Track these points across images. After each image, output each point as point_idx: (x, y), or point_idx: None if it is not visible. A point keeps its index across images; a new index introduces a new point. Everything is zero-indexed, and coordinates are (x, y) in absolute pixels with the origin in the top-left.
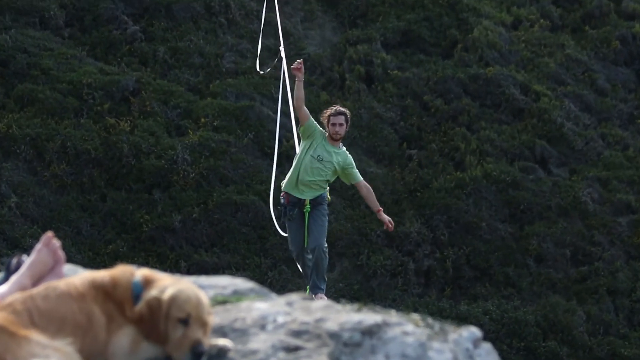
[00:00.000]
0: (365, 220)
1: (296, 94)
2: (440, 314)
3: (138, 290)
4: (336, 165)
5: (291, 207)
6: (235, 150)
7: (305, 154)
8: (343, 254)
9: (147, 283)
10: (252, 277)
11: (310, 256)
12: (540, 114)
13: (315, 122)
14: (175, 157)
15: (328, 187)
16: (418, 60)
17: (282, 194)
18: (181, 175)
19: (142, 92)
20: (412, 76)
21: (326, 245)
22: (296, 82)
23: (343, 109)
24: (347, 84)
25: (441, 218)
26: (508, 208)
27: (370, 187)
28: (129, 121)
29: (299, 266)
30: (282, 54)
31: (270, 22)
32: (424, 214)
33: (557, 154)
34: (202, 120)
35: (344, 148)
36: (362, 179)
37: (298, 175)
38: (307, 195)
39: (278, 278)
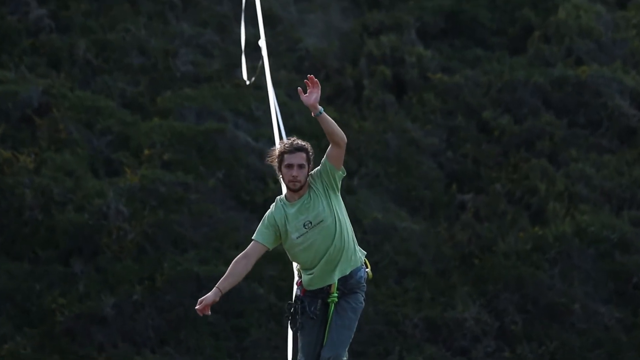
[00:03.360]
0: (395, 301)
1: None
2: None
3: None
4: (322, 200)
5: (311, 300)
6: (197, 197)
7: (292, 248)
8: (363, 353)
9: None
10: None
11: None
12: None
13: (263, 222)
14: (104, 208)
15: (362, 251)
16: (473, 57)
17: (296, 281)
18: (114, 236)
19: (53, 109)
20: (465, 82)
21: (346, 357)
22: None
23: (302, 143)
24: (365, 94)
25: (511, 298)
26: (614, 282)
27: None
28: (32, 154)
29: None
30: (263, 47)
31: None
32: (484, 292)
33: None
34: (146, 152)
35: (309, 178)
36: (325, 154)
37: (309, 266)
38: (334, 276)
39: None
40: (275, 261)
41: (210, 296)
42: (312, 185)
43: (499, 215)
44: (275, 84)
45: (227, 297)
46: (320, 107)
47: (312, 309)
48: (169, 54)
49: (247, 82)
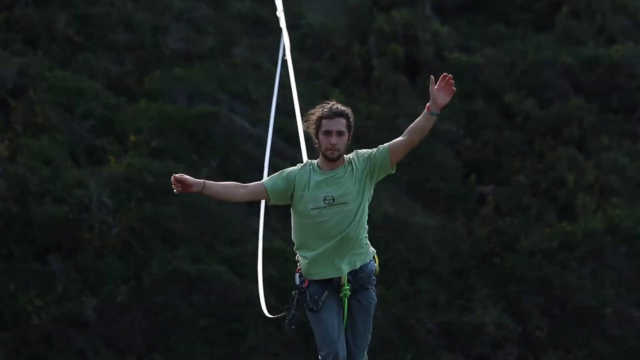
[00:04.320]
0: (406, 303)
1: (218, 198)
2: None
3: None
4: (355, 184)
5: (316, 290)
6: None
7: (303, 217)
8: None
9: None
10: None
11: None
12: None
13: (281, 173)
14: (86, 200)
15: (371, 246)
16: (494, 35)
17: (297, 271)
18: (97, 231)
19: (30, 91)
20: (485, 62)
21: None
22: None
23: (342, 107)
24: (374, 75)
25: (535, 301)
26: None
27: (408, 129)
28: (7, 140)
29: None
30: (282, 21)
31: None
32: (506, 294)
33: None
34: (132, 138)
35: (352, 154)
36: (389, 142)
37: (313, 246)
38: (341, 267)
39: None
40: (275, 258)
41: (193, 180)
42: (352, 162)
43: (523, 209)
44: (274, 63)
45: (221, 299)
46: (439, 110)
47: (316, 298)
48: (158, 30)
49: (282, 59)
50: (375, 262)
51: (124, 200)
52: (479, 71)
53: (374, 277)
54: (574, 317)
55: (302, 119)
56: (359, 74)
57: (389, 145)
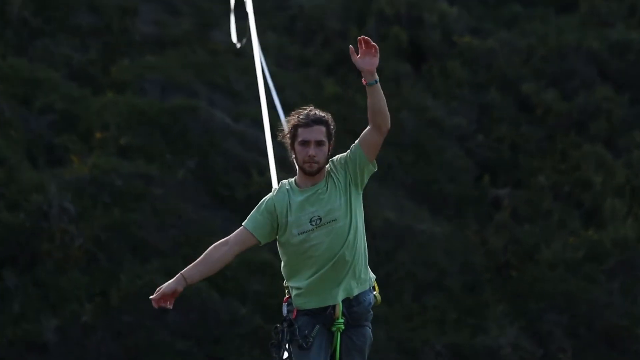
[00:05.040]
0: (412, 323)
1: (207, 275)
2: None
3: None
4: (340, 196)
5: (306, 323)
6: (162, 192)
7: (290, 245)
8: None
9: None
10: None
11: None
12: None
13: (258, 209)
14: (45, 206)
15: (371, 271)
16: (510, 16)
17: (285, 300)
18: (58, 242)
19: None
20: (499, 47)
21: None
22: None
23: (321, 113)
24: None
25: (558, 319)
26: None
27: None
28: None
29: None
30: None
31: None
32: (524, 312)
33: None
34: (98, 135)
35: (329, 165)
36: (358, 139)
37: (305, 275)
38: (337, 295)
39: None
40: (260, 273)
41: (172, 284)
42: (332, 174)
43: (543, 215)
44: (261, 49)
45: (201, 318)
46: (376, 76)
47: (306, 333)
48: (126, 12)
49: (238, 46)
50: (375, 291)
51: (88, 207)
52: (493, 58)
53: (371, 312)
54: (603, 337)
55: (279, 125)
56: None
57: (359, 141)
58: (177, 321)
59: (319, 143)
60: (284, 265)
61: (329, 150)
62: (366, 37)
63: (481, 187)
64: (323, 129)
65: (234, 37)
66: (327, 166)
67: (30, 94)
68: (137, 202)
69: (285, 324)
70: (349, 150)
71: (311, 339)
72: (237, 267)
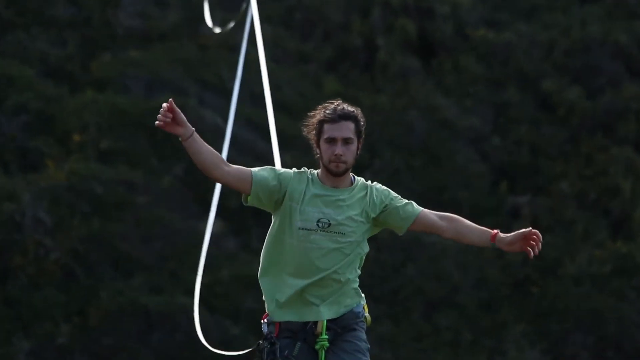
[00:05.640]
0: (421, 343)
1: (198, 159)
2: None
3: None
4: (361, 217)
5: (287, 342)
6: (147, 200)
7: (285, 233)
8: None
9: None
10: None
11: None
12: None
13: (274, 170)
14: (18, 216)
15: (361, 293)
16: (529, 7)
17: (264, 318)
18: (31, 255)
19: None
20: (517, 40)
21: None
22: (182, 142)
23: (350, 108)
24: (380, 57)
25: (584, 340)
26: None
27: (452, 216)
28: None
29: None
30: None
31: None
32: (546, 332)
33: None
34: (76, 138)
35: (367, 181)
36: (422, 208)
37: (285, 278)
38: (319, 312)
39: None
40: (255, 289)
41: (184, 118)
42: (368, 189)
43: (566, 225)
44: (254, 42)
45: (187, 339)
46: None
47: (287, 353)
48: (108, 4)
49: (216, 31)
50: (365, 312)
51: (65, 217)
52: (511, 52)
53: (363, 320)
54: (632, 359)
55: (303, 120)
56: (359, 56)
57: (420, 213)
58: (162, 342)
59: (347, 141)
60: (267, 252)
61: (358, 149)
62: (539, 237)
63: (498, 195)
64: (352, 125)
65: (208, 21)
66: (368, 183)
67: (1, 93)
68: (119, 212)
69: (266, 342)
70: (403, 202)
71: (294, 353)
72: (229, 282)
